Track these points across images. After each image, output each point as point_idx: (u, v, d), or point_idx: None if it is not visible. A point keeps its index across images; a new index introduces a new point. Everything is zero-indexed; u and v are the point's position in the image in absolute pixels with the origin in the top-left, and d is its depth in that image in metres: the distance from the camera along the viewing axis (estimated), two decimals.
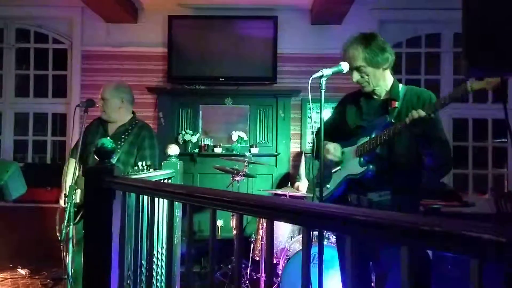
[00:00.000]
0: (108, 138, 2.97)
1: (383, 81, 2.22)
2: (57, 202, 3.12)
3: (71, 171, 3.07)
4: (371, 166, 2.14)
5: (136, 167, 2.93)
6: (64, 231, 2.73)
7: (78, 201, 2.95)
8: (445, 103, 1.85)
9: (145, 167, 2.79)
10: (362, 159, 2.17)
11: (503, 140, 5.29)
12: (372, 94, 2.27)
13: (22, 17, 5.44)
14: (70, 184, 2.82)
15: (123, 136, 3.11)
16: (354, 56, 2.17)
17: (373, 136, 2.13)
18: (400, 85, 2.25)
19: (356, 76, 2.20)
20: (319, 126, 2.22)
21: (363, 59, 2.15)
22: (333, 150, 2.28)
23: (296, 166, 5.12)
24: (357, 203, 2.21)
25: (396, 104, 2.17)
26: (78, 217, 2.79)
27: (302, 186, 4.38)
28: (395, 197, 2.12)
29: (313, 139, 2.49)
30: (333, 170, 2.33)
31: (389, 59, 2.19)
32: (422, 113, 1.88)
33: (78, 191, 2.97)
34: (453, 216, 4.58)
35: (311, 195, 2.42)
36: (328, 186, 2.35)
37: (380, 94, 2.26)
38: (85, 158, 3.11)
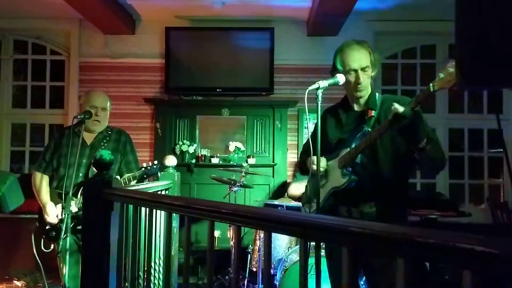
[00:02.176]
0: (88, 147, 3.01)
1: (368, 87, 2.24)
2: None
3: (44, 184, 3.03)
4: (352, 177, 2.13)
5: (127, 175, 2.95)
6: (61, 243, 2.72)
7: (61, 216, 2.93)
8: (413, 107, 1.83)
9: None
10: (344, 170, 2.17)
11: (498, 150, 5.31)
12: (351, 103, 2.29)
13: (20, 29, 5.48)
14: (68, 195, 2.81)
15: (102, 143, 3.07)
16: (365, 55, 2.18)
17: (353, 146, 2.13)
18: (377, 94, 2.27)
19: (363, 77, 2.18)
20: (306, 142, 2.23)
21: (370, 61, 2.18)
22: (315, 161, 2.26)
23: (293, 176, 5.14)
24: (348, 215, 2.21)
25: (373, 113, 2.18)
26: (62, 232, 2.72)
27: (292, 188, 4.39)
28: (381, 207, 2.12)
29: (300, 155, 2.54)
30: (320, 184, 2.33)
31: (379, 69, 2.26)
32: (403, 108, 1.83)
33: (59, 206, 2.95)
34: (450, 226, 4.59)
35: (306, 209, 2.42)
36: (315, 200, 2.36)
37: (360, 104, 2.27)
38: (56, 170, 3.03)
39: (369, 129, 2.11)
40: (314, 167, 2.25)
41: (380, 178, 2.14)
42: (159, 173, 3.07)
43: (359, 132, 2.15)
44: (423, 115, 1.98)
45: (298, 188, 4.30)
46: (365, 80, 2.19)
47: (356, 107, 2.29)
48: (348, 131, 2.25)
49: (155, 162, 2.97)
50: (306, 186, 2.49)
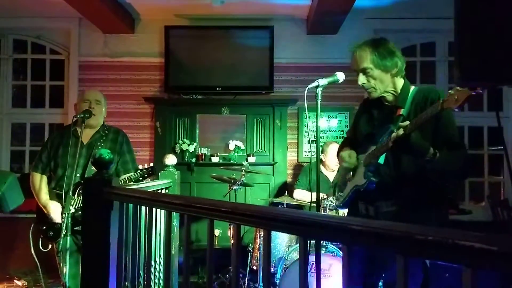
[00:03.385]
0: (85, 147, 3.00)
1: (392, 87, 2.14)
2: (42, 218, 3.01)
3: (43, 185, 3.03)
4: (372, 178, 2.08)
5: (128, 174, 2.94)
6: (61, 242, 2.72)
7: (58, 221, 2.93)
8: (415, 126, 1.81)
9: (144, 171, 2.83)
10: (367, 169, 2.12)
11: (499, 147, 5.31)
12: (382, 99, 2.20)
13: (19, 28, 5.47)
14: (69, 195, 2.81)
15: (99, 143, 3.06)
16: (361, 57, 2.11)
17: (378, 145, 2.07)
18: (412, 88, 2.16)
19: (362, 79, 2.13)
20: (345, 136, 2.19)
21: (370, 61, 2.09)
22: (347, 157, 2.24)
23: (296, 175, 5.13)
24: (365, 212, 2.18)
25: (401, 111, 2.09)
26: (62, 232, 2.73)
27: (298, 193, 4.39)
28: (402, 210, 2.05)
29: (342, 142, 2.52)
30: (347, 177, 2.32)
31: (398, 64, 2.11)
32: (400, 132, 1.84)
33: (59, 206, 2.96)
34: (451, 224, 4.58)
35: (308, 204, 2.43)
36: (341, 193, 2.35)
37: (390, 100, 2.18)
38: (54, 171, 3.03)
39: (394, 130, 2.00)
40: (344, 164, 2.25)
41: (402, 178, 2.06)
42: (159, 172, 3.07)
43: (386, 131, 2.06)
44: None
45: (303, 194, 4.31)
46: (370, 81, 2.12)
47: (387, 102, 2.20)
48: (377, 127, 2.18)
49: (151, 164, 2.96)
50: (337, 173, 2.48)
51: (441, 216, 2.10)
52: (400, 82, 2.16)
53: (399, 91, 2.14)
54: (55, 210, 2.94)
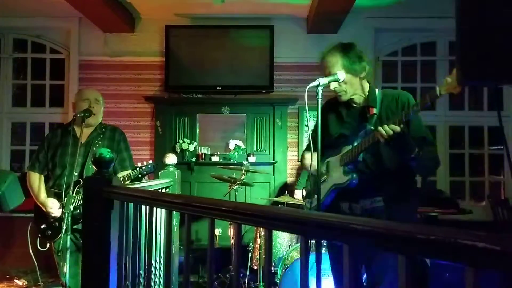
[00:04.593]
0: (83, 146, 2.99)
1: (361, 89, 2.25)
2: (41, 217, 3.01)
3: (42, 184, 3.03)
4: (354, 175, 2.14)
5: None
6: (61, 241, 2.72)
7: (58, 215, 2.93)
8: (416, 109, 1.89)
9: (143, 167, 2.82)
10: (346, 167, 2.18)
11: (499, 147, 5.31)
12: (350, 102, 2.29)
13: (19, 28, 5.46)
14: (69, 193, 2.81)
15: (96, 141, 3.05)
16: (333, 63, 2.20)
17: (355, 144, 2.14)
18: (377, 90, 2.28)
19: (333, 84, 2.20)
20: (310, 136, 2.23)
21: (341, 66, 2.17)
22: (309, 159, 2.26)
23: (297, 175, 5.13)
24: (349, 211, 2.22)
25: (374, 110, 2.20)
26: (63, 231, 2.73)
27: (298, 194, 4.39)
28: (387, 205, 2.13)
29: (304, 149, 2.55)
30: (321, 180, 2.33)
31: (366, 68, 2.22)
32: (397, 128, 1.90)
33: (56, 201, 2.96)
34: (450, 223, 4.59)
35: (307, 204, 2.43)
36: (311, 199, 2.37)
37: (359, 102, 2.28)
38: (52, 170, 3.02)
39: (371, 128, 2.12)
40: (313, 165, 2.26)
41: (383, 174, 2.14)
42: (160, 171, 3.06)
43: (361, 130, 2.15)
44: (421, 117, 2.03)
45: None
46: (341, 85, 2.19)
47: (355, 104, 2.30)
48: (349, 128, 2.26)
49: (150, 161, 2.95)
50: (307, 181, 2.49)
51: (415, 210, 2.32)
52: (367, 85, 2.28)
53: (367, 93, 2.26)
54: (53, 206, 2.93)
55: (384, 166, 2.15)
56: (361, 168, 2.17)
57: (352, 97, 2.25)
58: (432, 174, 2.32)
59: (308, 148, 2.50)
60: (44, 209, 2.95)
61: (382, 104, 2.21)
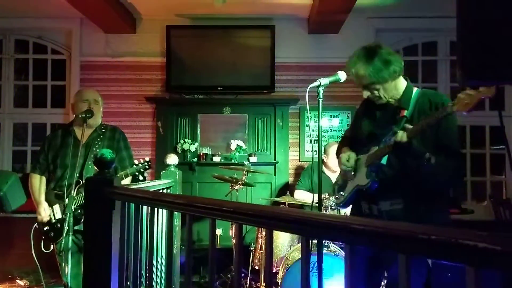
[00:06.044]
0: (83, 147, 2.99)
1: (395, 90, 2.13)
2: None
3: (42, 186, 3.04)
4: (376, 179, 2.09)
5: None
6: (63, 242, 2.73)
7: (60, 216, 2.94)
8: (423, 128, 1.86)
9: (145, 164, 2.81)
10: (369, 169, 2.12)
11: (501, 147, 5.30)
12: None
13: (21, 28, 5.47)
14: (71, 195, 2.82)
15: (96, 142, 3.05)
16: (358, 75, 2.09)
17: (381, 146, 2.07)
18: (414, 90, 2.16)
19: (365, 93, 2.14)
20: (346, 130, 2.19)
21: (368, 78, 2.07)
22: (346, 161, 2.24)
23: (297, 175, 5.12)
24: (369, 212, 2.19)
25: (405, 113, 2.10)
26: (64, 232, 2.74)
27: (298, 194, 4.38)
28: (407, 207, 2.07)
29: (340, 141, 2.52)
30: (348, 178, 2.31)
31: (396, 70, 2.08)
32: (404, 138, 1.87)
33: (57, 207, 2.97)
34: (452, 223, 4.57)
35: (309, 204, 2.43)
36: (342, 193, 2.35)
37: (393, 103, 2.18)
38: (53, 171, 3.03)
39: (398, 131, 2.01)
40: (342, 167, 2.26)
41: (405, 178, 2.07)
42: (161, 172, 3.07)
43: (388, 132, 2.06)
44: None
45: (304, 195, 4.30)
46: (374, 92, 2.12)
47: (390, 104, 2.19)
48: (380, 127, 2.18)
49: (146, 158, 2.95)
50: (339, 175, 2.48)
51: (443, 215, 2.13)
52: (401, 83, 2.16)
53: (401, 92, 2.14)
54: (42, 212, 2.95)
55: (406, 171, 2.07)
56: (385, 171, 2.10)
57: (389, 100, 2.15)
58: (447, 186, 2.21)
59: (342, 142, 2.48)
60: (36, 209, 2.97)
61: (416, 105, 2.11)
